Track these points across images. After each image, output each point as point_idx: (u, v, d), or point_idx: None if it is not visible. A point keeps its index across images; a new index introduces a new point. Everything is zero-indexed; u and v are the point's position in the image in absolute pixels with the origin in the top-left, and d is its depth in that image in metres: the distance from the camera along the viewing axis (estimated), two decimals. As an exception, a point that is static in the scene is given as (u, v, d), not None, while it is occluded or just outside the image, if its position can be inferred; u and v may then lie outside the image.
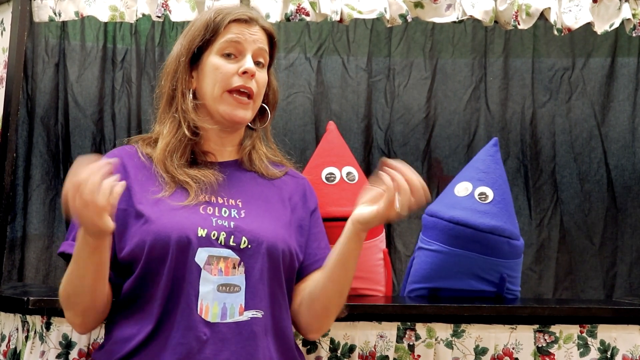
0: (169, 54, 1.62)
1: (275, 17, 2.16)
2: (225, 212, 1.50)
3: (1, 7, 2.32)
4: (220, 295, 1.43)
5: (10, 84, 2.20)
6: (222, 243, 1.45)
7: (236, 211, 1.51)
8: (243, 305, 1.45)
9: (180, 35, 1.62)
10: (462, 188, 2.08)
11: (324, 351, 1.83)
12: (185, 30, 1.60)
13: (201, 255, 1.42)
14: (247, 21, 1.56)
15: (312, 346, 1.83)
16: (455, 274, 2.05)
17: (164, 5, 2.16)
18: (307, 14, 2.17)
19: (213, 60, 1.54)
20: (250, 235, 1.48)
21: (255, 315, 1.47)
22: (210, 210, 1.49)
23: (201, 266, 1.43)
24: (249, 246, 1.47)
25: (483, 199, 2.04)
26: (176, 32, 2.81)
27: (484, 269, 2.04)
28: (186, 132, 1.53)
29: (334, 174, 2.06)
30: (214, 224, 1.46)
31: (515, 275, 2.11)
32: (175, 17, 2.17)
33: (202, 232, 1.44)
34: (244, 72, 1.52)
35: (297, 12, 2.17)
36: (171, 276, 1.42)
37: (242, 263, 1.45)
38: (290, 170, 1.69)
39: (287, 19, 2.18)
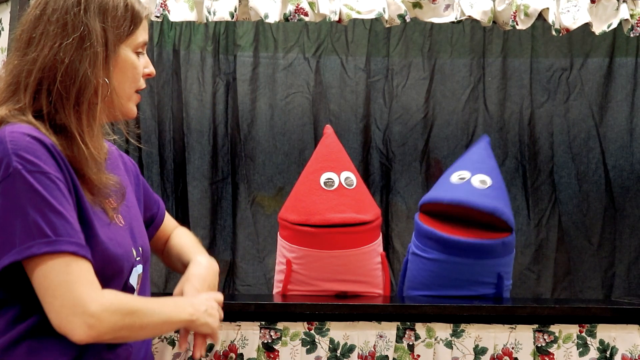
0: (68, 15, 1.34)
1: (274, 17, 2.16)
2: (121, 220, 1.42)
3: (0, 6, 2.31)
4: None
5: (9, 84, 2.19)
6: (137, 259, 1.43)
7: (119, 217, 1.43)
8: None
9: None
10: (458, 176, 2.08)
11: (323, 351, 1.83)
12: (92, 2, 1.36)
13: (134, 277, 1.41)
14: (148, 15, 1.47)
15: (311, 346, 1.83)
16: (454, 281, 2.05)
17: (163, 5, 2.15)
18: (306, 14, 2.17)
19: (131, 56, 1.41)
20: (141, 244, 1.46)
21: None
22: (119, 221, 1.41)
23: (135, 287, 1.42)
24: (141, 257, 1.46)
25: (482, 184, 2.05)
26: (175, 32, 2.81)
27: (482, 272, 2.05)
28: (107, 129, 1.43)
29: (332, 180, 2.06)
30: (130, 240, 1.42)
31: (508, 270, 2.13)
32: (174, 17, 2.17)
33: (135, 253, 1.42)
34: (149, 74, 1.46)
35: (295, 12, 2.17)
36: None
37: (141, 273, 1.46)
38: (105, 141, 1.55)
39: (286, 19, 2.18)
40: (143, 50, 1.45)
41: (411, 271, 2.16)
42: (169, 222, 1.74)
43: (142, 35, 1.43)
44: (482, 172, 2.09)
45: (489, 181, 2.07)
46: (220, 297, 1.53)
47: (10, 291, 1.29)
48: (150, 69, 1.46)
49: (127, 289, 1.39)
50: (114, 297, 1.29)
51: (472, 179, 2.07)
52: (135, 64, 1.42)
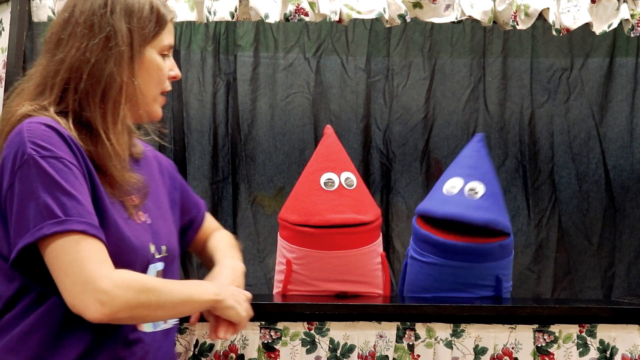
0: (95, 16, 1.37)
1: (274, 17, 2.16)
2: (142, 217, 1.44)
3: (0, 7, 2.31)
4: None
5: (10, 84, 2.20)
6: (157, 256, 1.44)
7: (145, 215, 1.45)
8: None
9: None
10: (452, 184, 2.08)
11: (323, 351, 1.83)
12: (118, 3, 1.39)
13: (151, 273, 1.42)
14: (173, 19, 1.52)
15: (311, 346, 1.83)
16: (452, 285, 2.05)
17: (163, 5, 2.15)
18: (306, 14, 2.17)
19: (156, 58, 1.44)
20: (166, 243, 1.47)
21: (175, 322, 1.50)
22: (138, 218, 1.42)
23: None
24: (167, 254, 1.47)
25: (474, 193, 2.03)
26: (175, 32, 2.80)
27: (480, 276, 2.05)
28: (132, 127, 1.46)
29: (332, 180, 2.06)
30: (150, 237, 1.43)
31: (508, 272, 2.12)
32: (174, 17, 2.17)
33: (152, 248, 1.42)
34: (174, 77, 1.49)
35: (296, 12, 2.17)
36: None
37: (163, 272, 1.46)
38: (141, 142, 1.58)
39: (286, 19, 2.18)
40: (169, 53, 1.48)
41: (410, 275, 2.16)
42: (209, 224, 1.74)
43: (167, 38, 1.46)
44: (475, 179, 2.07)
45: (481, 189, 2.04)
46: (249, 294, 1.52)
47: (31, 277, 1.31)
48: (176, 72, 1.49)
49: None
50: (127, 275, 1.30)
51: (465, 188, 2.05)
52: (161, 66, 1.45)
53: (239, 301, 1.47)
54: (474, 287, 2.06)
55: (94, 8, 1.38)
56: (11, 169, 1.28)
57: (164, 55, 1.46)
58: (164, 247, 1.46)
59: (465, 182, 2.06)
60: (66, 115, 1.34)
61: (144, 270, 1.39)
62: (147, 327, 1.41)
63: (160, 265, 1.44)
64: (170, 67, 1.48)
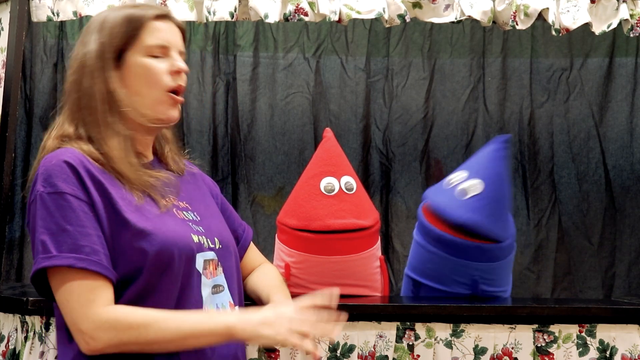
0: (78, 51, 1.47)
1: (274, 17, 2.16)
2: (189, 215, 1.49)
3: (-1, 6, 2.32)
4: (213, 297, 1.46)
5: (9, 84, 2.20)
6: (207, 246, 1.46)
7: (192, 213, 1.49)
8: (232, 302, 1.49)
9: (84, 32, 1.48)
10: (454, 176, 2.06)
11: (323, 351, 1.83)
12: (93, 26, 1.47)
13: (199, 261, 1.43)
14: (166, 17, 1.50)
15: (311, 346, 1.83)
16: (431, 271, 2.04)
17: (163, 5, 2.15)
18: (306, 14, 2.17)
19: (142, 61, 1.45)
20: (219, 236, 1.50)
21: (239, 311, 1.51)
22: (181, 214, 1.47)
23: (201, 271, 1.43)
24: (221, 246, 1.49)
25: (467, 191, 1.99)
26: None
27: (454, 271, 2.02)
28: (127, 133, 1.46)
29: (332, 184, 2.05)
30: (194, 229, 1.46)
31: (491, 277, 2.06)
32: (174, 17, 2.17)
33: (196, 238, 1.44)
34: (177, 71, 1.47)
35: (295, 12, 2.17)
36: (178, 285, 1.40)
37: (219, 263, 1.48)
38: (186, 162, 1.65)
39: (286, 19, 2.18)
40: (165, 52, 1.47)
41: (410, 250, 2.18)
42: (255, 254, 1.73)
43: (149, 38, 1.45)
44: (477, 177, 2.02)
45: (478, 188, 1.99)
46: (293, 312, 1.39)
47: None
48: (177, 66, 1.47)
49: (188, 273, 1.40)
50: (112, 314, 1.34)
51: (462, 183, 2.02)
52: (149, 67, 1.45)
53: (270, 324, 1.37)
54: (450, 282, 2.03)
55: (75, 50, 1.48)
56: (29, 205, 1.38)
57: (156, 57, 1.46)
58: (217, 239, 1.48)
59: (466, 178, 2.03)
60: (81, 136, 1.43)
61: (190, 259, 1.40)
62: None
63: (210, 255, 1.44)
64: (169, 66, 1.46)
